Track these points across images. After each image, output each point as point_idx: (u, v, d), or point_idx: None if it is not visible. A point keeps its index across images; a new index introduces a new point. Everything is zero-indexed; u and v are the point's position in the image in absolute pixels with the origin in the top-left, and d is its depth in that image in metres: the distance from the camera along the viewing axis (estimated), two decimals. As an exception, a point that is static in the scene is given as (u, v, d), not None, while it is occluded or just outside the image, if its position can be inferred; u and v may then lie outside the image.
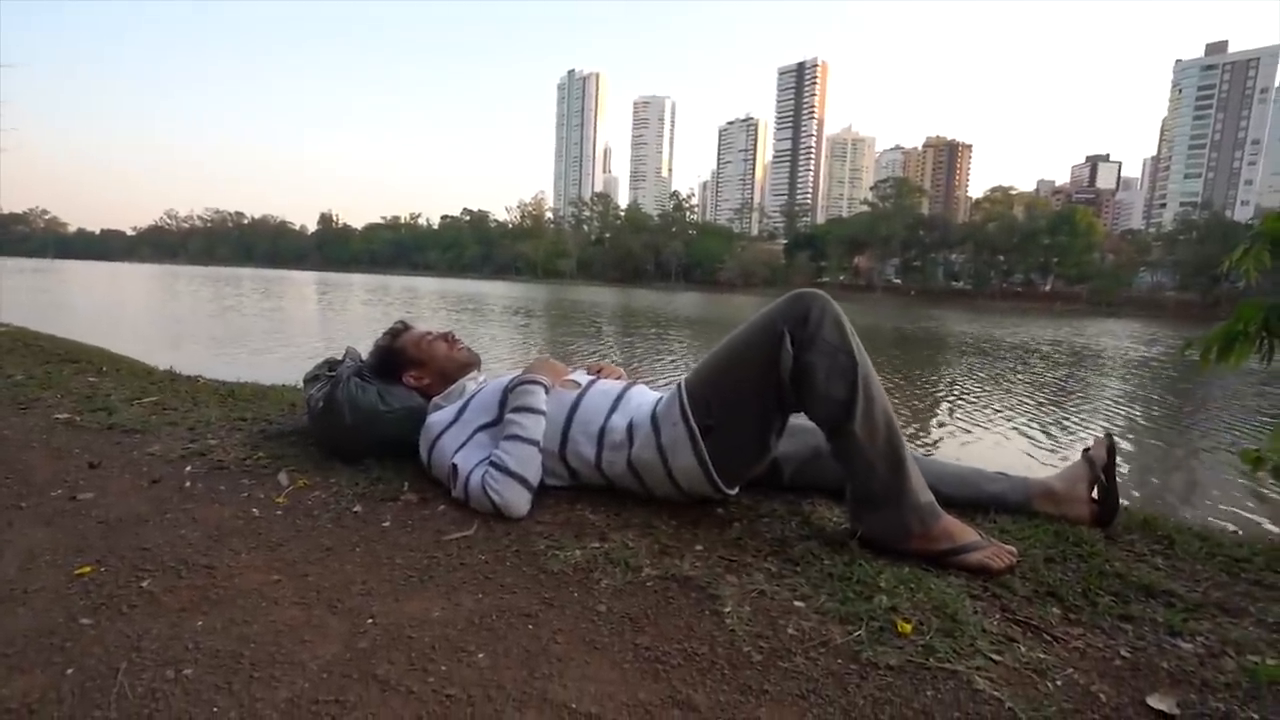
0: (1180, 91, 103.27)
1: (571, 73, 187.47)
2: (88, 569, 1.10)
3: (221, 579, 1.09)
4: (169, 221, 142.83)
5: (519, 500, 1.37)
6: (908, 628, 0.99)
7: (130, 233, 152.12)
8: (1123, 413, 9.28)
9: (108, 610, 0.98)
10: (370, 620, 0.99)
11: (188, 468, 1.61)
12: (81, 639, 0.91)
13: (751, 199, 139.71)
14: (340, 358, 1.90)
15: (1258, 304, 1.79)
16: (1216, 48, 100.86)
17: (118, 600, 1.01)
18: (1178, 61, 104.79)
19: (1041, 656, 0.95)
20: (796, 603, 1.07)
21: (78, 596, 1.02)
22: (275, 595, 1.05)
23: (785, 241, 78.20)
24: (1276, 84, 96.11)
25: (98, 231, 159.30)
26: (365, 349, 1.86)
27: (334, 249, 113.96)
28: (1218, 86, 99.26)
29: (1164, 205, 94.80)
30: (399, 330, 1.77)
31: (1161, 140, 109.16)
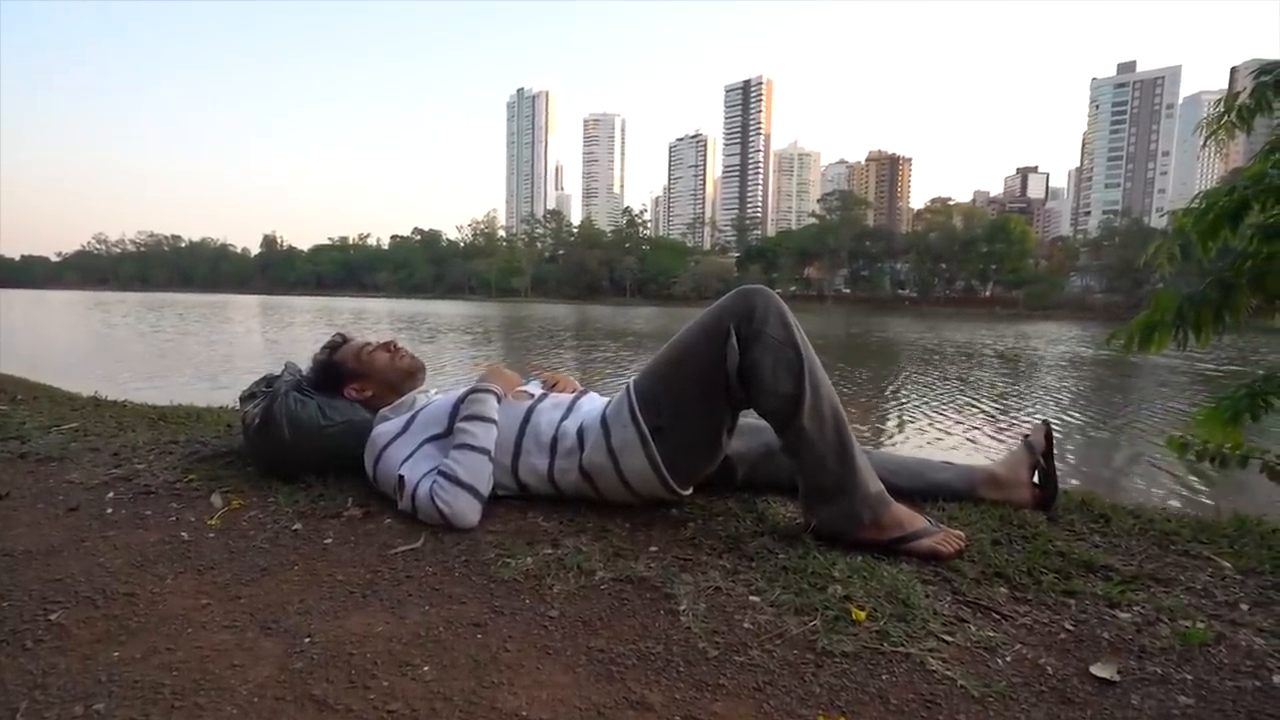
0: (1097, 107, 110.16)
1: (521, 90, 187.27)
2: (-11, 604, 1.01)
3: (143, 606, 1.02)
4: (98, 246, 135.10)
5: (469, 510, 1.33)
6: (862, 615, 0.99)
7: (55, 258, 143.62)
8: (1056, 406, 9.73)
9: (9, 647, 0.90)
10: (308, 639, 0.93)
11: (109, 494, 1.51)
12: (-23, 679, 0.83)
13: (703, 213, 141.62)
14: (278, 373, 1.82)
15: (1173, 294, 1.90)
16: (1127, 67, 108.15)
17: (21, 635, 0.93)
18: (1094, 79, 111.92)
19: (991, 635, 0.96)
20: (752, 597, 1.06)
21: (-26, 635, 0.93)
22: (203, 620, 0.98)
23: (737, 254, 79.47)
24: (1180, 100, 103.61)
25: (17, 258, 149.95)
26: (305, 365, 1.78)
27: (279, 271, 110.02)
28: (1129, 102, 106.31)
29: (1089, 213, 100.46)
30: (337, 343, 1.71)
31: (1083, 152, 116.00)
